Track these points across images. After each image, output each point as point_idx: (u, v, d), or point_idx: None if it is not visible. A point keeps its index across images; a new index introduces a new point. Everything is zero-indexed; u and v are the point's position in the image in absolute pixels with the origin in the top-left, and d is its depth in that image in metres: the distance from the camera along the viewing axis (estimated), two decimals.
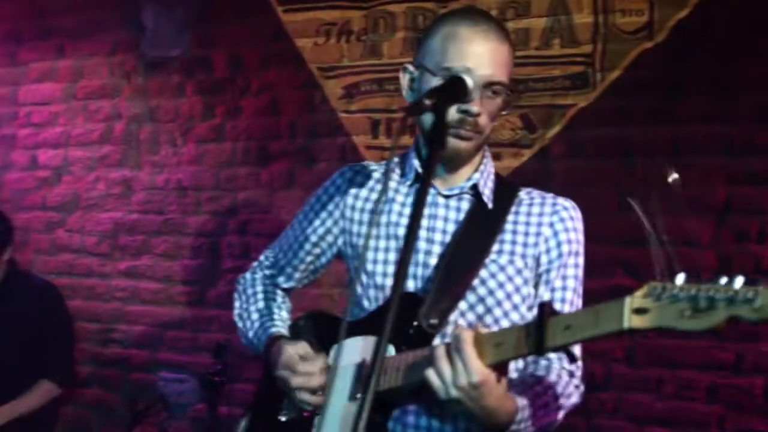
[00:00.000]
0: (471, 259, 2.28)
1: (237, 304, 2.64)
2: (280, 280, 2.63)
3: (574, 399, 2.24)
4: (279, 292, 2.63)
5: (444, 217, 2.35)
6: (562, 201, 2.37)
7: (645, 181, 3.74)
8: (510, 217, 2.33)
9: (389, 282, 2.33)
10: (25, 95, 5.39)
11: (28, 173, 5.38)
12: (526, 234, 2.32)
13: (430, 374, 1.98)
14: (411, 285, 2.31)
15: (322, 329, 2.45)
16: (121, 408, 4.80)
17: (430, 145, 2.27)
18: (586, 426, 3.75)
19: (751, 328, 3.50)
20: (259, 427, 2.47)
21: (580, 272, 2.35)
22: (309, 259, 2.57)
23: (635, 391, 3.69)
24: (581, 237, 2.37)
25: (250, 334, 2.52)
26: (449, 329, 2.24)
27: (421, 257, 2.32)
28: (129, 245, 4.99)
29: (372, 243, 2.38)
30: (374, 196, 2.44)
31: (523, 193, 2.39)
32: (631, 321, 1.71)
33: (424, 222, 2.33)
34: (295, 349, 2.33)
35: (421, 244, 2.32)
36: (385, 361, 2.09)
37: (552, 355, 2.25)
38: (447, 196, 2.36)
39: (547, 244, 2.31)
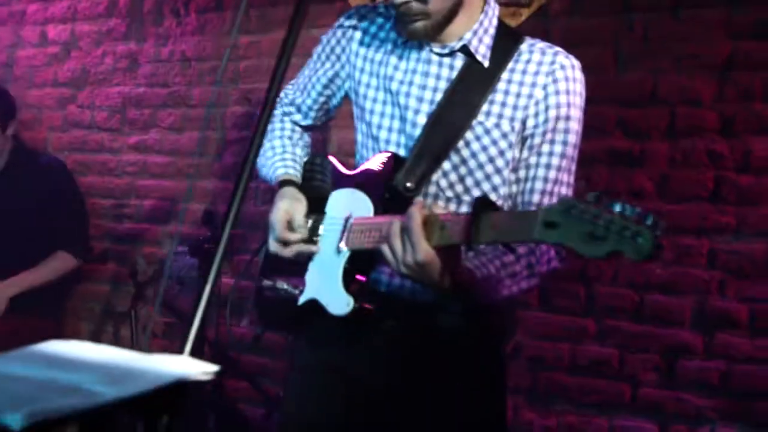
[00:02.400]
0: (458, 119, 2.28)
1: (265, 141, 2.67)
2: (298, 117, 2.68)
3: (555, 263, 2.25)
4: (297, 129, 2.69)
5: (436, 75, 2.34)
6: (562, 59, 2.29)
7: (644, 38, 3.60)
8: (505, 75, 2.29)
9: (382, 135, 2.38)
10: None
11: (38, 49, 5.39)
12: (518, 95, 2.28)
13: (384, 248, 2.05)
14: (398, 145, 2.36)
15: (328, 173, 2.53)
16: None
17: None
18: (585, 293, 3.70)
19: (750, 191, 3.39)
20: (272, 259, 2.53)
21: (572, 138, 2.27)
22: (321, 99, 2.62)
23: None
24: (577, 100, 2.29)
25: (264, 170, 2.61)
26: (432, 190, 2.31)
27: (410, 115, 2.34)
28: (137, 119, 5.00)
29: (371, 93, 2.42)
30: (377, 43, 2.45)
31: (525, 46, 2.31)
32: (541, 233, 1.70)
33: (417, 79, 2.34)
34: (285, 209, 2.39)
35: (411, 102, 2.34)
36: (360, 221, 2.24)
37: None
38: (441, 54, 2.34)
39: (536, 107, 2.26)
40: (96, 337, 5.01)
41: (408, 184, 2.25)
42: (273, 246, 2.40)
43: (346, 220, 2.29)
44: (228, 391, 4.35)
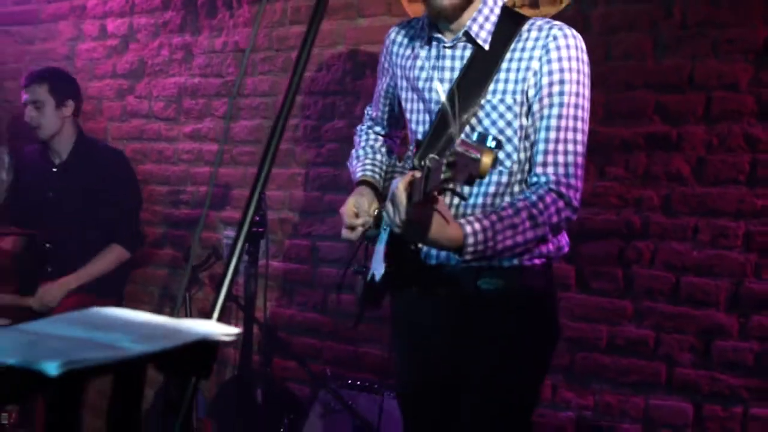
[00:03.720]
0: (468, 101, 2.56)
1: (352, 152, 3.09)
2: (378, 129, 3.11)
3: (566, 213, 2.49)
4: (379, 138, 3.10)
5: (450, 67, 2.64)
6: (555, 31, 2.52)
7: (683, 24, 3.65)
8: (507, 55, 2.55)
9: (417, 128, 2.75)
10: None
11: (98, 42, 5.59)
12: (518, 70, 2.53)
13: (384, 215, 2.43)
14: (420, 131, 2.73)
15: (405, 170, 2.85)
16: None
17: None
18: (622, 275, 3.77)
19: None
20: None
21: (568, 98, 2.50)
22: (387, 110, 3.02)
23: (672, 240, 3.68)
24: (573, 64, 2.51)
25: (353, 177, 2.97)
26: None
27: (433, 107, 2.67)
28: (192, 108, 5.17)
29: (404, 94, 2.80)
30: (407, 52, 2.78)
31: (525, 26, 2.57)
32: (445, 173, 1.96)
33: (435, 74, 2.66)
34: (351, 202, 2.74)
35: (432, 95, 2.66)
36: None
37: (542, 177, 2.51)
38: (450, 47, 2.64)
39: (534, 77, 2.52)
40: None
41: (421, 162, 2.48)
42: (344, 233, 2.73)
43: None
44: (276, 370, 4.50)
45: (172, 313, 5.15)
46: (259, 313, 4.25)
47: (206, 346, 1.50)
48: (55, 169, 4.81)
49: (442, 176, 1.95)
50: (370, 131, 3.11)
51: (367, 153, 3.01)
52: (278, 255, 4.75)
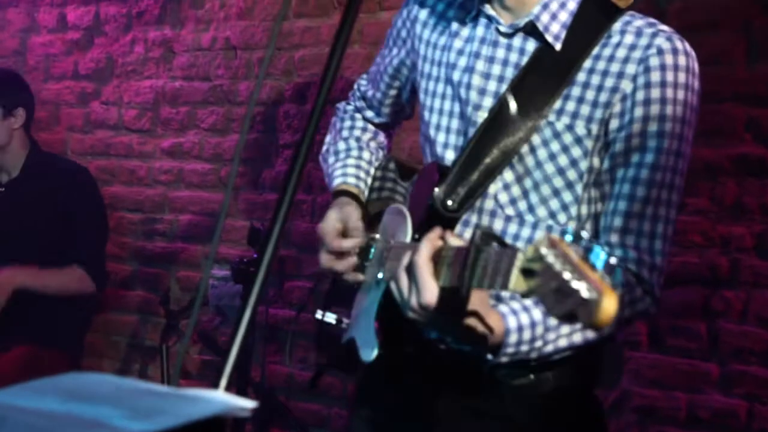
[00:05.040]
0: (522, 117, 2.23)
1: (327, 138, 2.77)
2: (370, 114, 2.75)
3: (641, 306, 2.19)
4: (369, 127, 2.75)
5: (503, 61, 2.30)
6: (661, 41, 2.18)
7: None
8: (587, 63, 2.21)
9: (440, 137, 2.39)
10: None
11: (56, 35, 5.59)
12: (599, 89, 2.20)
13: (393, 287, 2.05)
14: (456, 150, 2.34)
15: (402, 182, 2.57)
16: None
17: None
18: (706, 330, 3.74)
19: None
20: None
21: (669, 143, 2.18)
22: (391, 93, 2.67)
23: (767, 288, 3.65)
24: (680, 95, 2.18)
25: (327, 179, 2.67)
26: (489, 206, 2.27)
27: (470, 112, 2.32)
28: (172, 119, 5.17)
29: (431, 86, 2.43)
30: (443, 24, 2.43)
31: (618, 25, 2.21)
32: (514, 282, 1.69)
33: (480, 66, 2.32)
34: (335, 217, 2.43)
35: (473, 96, 2.32)
36: (398, 247, 2.22)
37: (617, 250, 2.19)
38: (509, 35, 2.30)
39: (623, 104, 2.19)
40: (120, 376, 5.15)
41: (449, 202, 2.24)
42: (325, 260, 2.43)
43: (389, 243, 2.32)
44: None
45: (143, 371, 5.13)
46: (254, 371, 4.22)
47: (215, 423, 1.48)
48: (1, 189, 4.80)
49: (514, 287, 1.70)
50: (358, 115, 2.75)
51: (350, 148, 2.67)
52: (276, 300, 4.73)
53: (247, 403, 1.49)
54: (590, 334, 2.13)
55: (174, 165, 5.17)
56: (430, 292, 1.91)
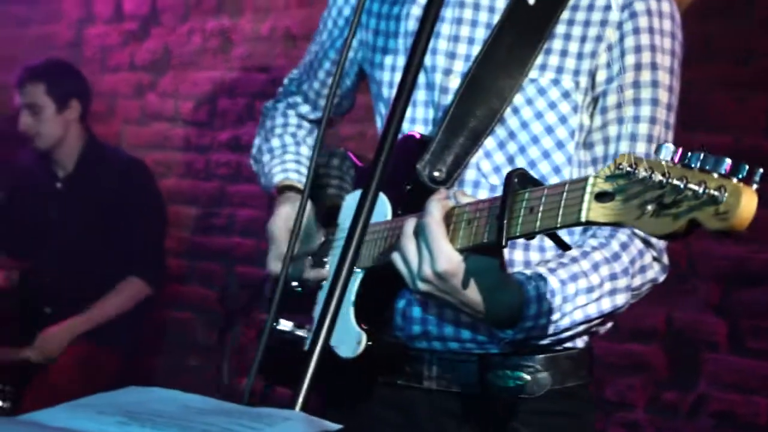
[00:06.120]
0: (502, 77, 2.14)
1: (256, 141, 2.63)
2: (305, 109, 2.59)
3: (651, 274, 2.11)
4: (304, 124, 2.60)
5: (471, 21, 2.20)
6: None
7: None
8: (565, 14, 2.14)
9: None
10: None
11: (112, 26, 5.58)
12: (583, 39, 2.13)
13: (396, 258, 1.92)
14: (426, 122, 2.23)
15: (349, 176, 2.42)
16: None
17: None
18: None
19: None
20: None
21: (663, 95, 2.12)
22: (344, 82, 2.47)
23: None
24: (667, 43, 2.12)
25: (263, 180, 2.53)
26: (471, 176, 2.16)
27: (438, 79, 2.21)
28: (230, 110, 5.13)
29: (389, 60, 2.30)
30: None
31: None
32: (589, 212, 1.59)
33: (446, 30, 2.20)
34: (286, 216, 2.29)
35: (440, 60, 2.21)
36: (373, 228, 2.06)
37: None
38: None
39: (609, 53, 2.11)
40: (174, 376, 5.13)
41: (435, 173, 2.12)
42: (274, 264, 2.30)
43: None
44: None
45: (198, 369, 5.08)
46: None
47: None
48: (58, 185, 4.80)
49: (590, 217, 1.59)
50: (291, 112, 2.60)
51: (286, 144, 2.53)
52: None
53: (331, 425, 1.38)
54: (606, 305, 2.03)
55: (232, 158, 5.13)
56: (446, 255, 1.82)
